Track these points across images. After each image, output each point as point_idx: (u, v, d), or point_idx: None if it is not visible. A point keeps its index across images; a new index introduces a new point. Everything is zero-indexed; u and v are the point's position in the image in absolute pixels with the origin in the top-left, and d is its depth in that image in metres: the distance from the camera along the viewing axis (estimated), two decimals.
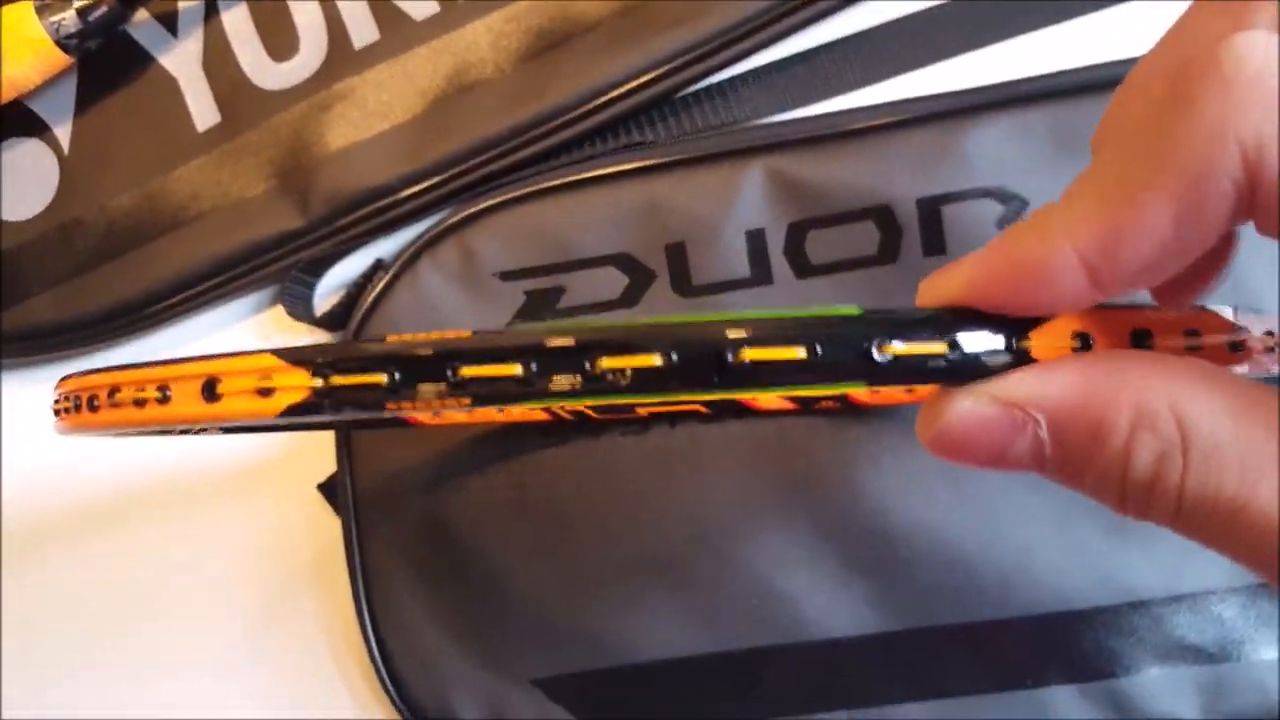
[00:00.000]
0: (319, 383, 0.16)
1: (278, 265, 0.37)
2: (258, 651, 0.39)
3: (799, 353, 0.15)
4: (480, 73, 0.36)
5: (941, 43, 0.35)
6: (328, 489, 0.38)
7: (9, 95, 0.37)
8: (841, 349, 0.15)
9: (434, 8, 0.36)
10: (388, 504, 0.36)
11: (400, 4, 0.37)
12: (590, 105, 0.35)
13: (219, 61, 0.38)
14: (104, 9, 0.36)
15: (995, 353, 0.16)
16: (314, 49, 0.37)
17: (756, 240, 0.34)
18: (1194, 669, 0.32)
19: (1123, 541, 0.32)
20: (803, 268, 0.34)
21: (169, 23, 0.38)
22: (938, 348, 0.16)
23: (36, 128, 0.39)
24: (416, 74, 0.36)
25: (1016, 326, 0.16)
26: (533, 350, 0.15)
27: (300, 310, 0.38)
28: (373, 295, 0.36)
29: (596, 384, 0.15)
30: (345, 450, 0.37)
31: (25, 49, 0.36)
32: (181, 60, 0.38)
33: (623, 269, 0.35)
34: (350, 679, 0.38)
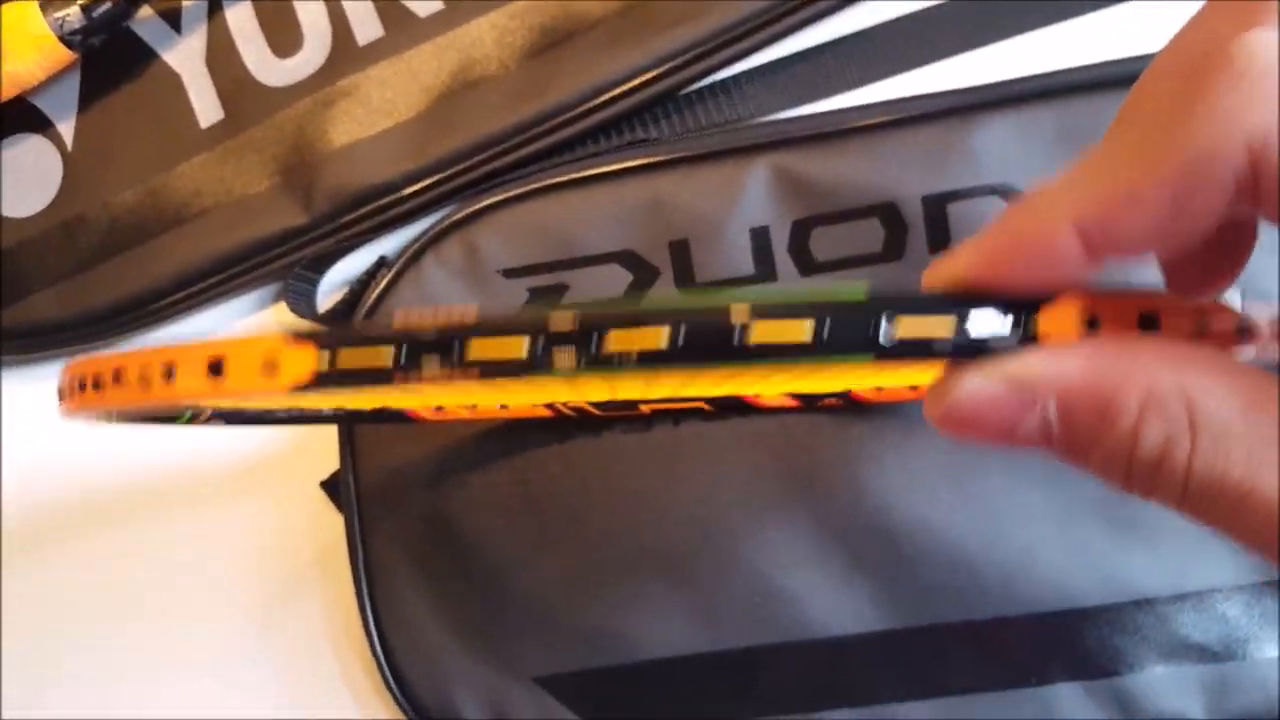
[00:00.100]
0: (325, 359, 0.16)
1: (281, 262, 0.37)
2: (260, 650, 0.39)
3: (805, 331, 0.15)
4: (484, 69, 0.36)
5: (946, 41, 0.35)
6: (330, 486, 0.38)
7: (12, 91, 0.37)
8: (848, 327, 0.15)
9: (438, 4, 0.36)
10: (390, 501, 0.36)
11: (405, 0, 0.37)
12: (594, 102, 0.35)
13: (222, 58, 0.38)
14: (108, 5, 0.36)
15: (1002, 333, 0.16)
16: (318, 45, 0.37)
17: (761, 238, 0.34)
18: (1198, 667, 0.32)
19: (1127, 540, 0.32)
20: (807, 265, 0.34)
21: (173, 19, 0.38)
22: (944, 327, 0.16)
23: (40, 124, 0.39)
24: (421, 70, 0.36)
25: (1023, 307, 0.16)
26: (539, 328, 0.15)
27: (303, 307, 0.38)
28: (376, 292, 0.36)
29: (603, 362, 0.15)
30: (348, 447, 0.36)
31: (29, 45, 0.36)
32: (185, 56, 0.38)
33: (626, 266, 0.35)
34: (352, 676, 0.38)
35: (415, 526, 0.36)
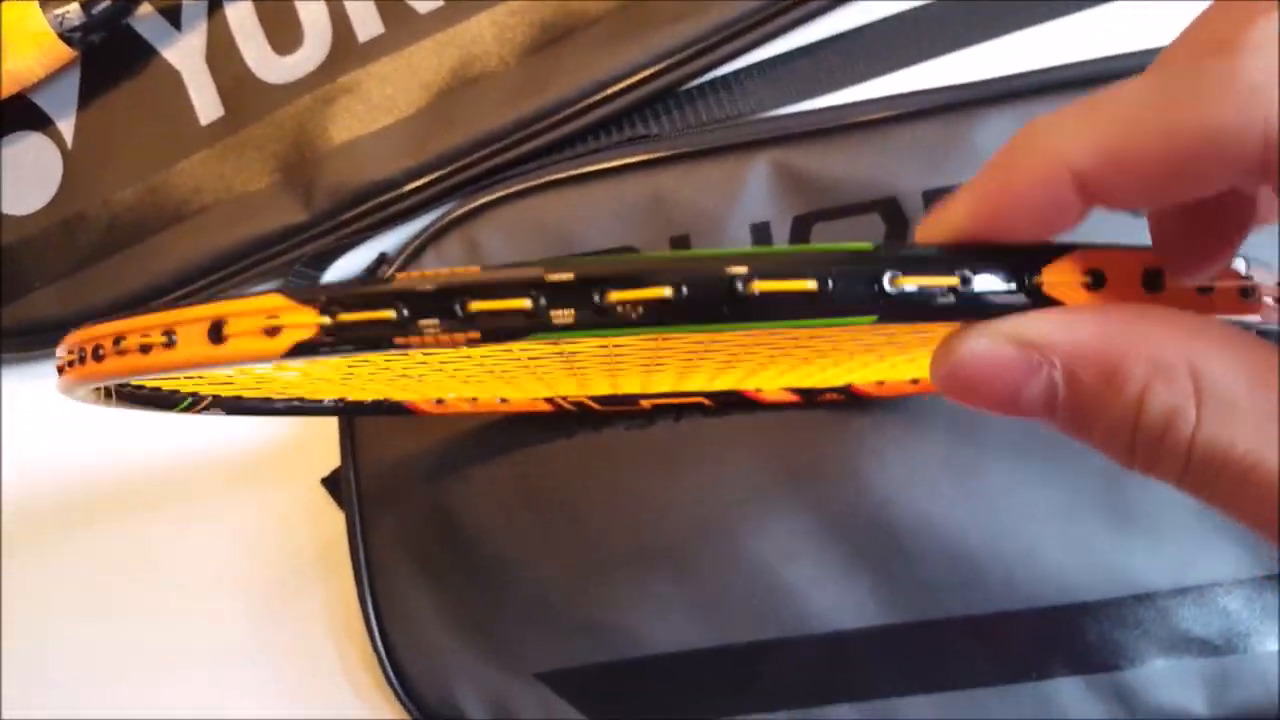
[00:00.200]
0: (327, 320, 0.16)
1: (281, 259, 0.37)
2: (261, 647, 0.39)
3: (810, 284, 0.15)
4: (484, 66, 0.36)
5: (946, 37, 0.35)
6: (331, 483, 0.38)
7: (12, 89, 0.37)
8: (852, 282, 0.15)
9: (438, 1, 0.36)
10: (391, 498, 0.36)
11: None
12: (594, 98, 0.35)
13: (222, 55, 0.38)
14: (108, 2, 0.36)
15: (1007, 289, 0.16)
16: (318, 42, 0.37)
17: (762, 233, 0.34)
18: (1199, 661, 0.32)
19: (1128, 534, 0.32)
20: None
21: (173, 16, 0.38)
22: (949, 280, 0.15)
23: (40, 122, 0.39)
24: (421, 67, 0.36)
25: (1028, 261, 0.16)
26: (541, 284, 0.15)
27: None
28: None
29: (606, 317, 0.15)
30: (349, 443, 0.36)
31: (29, 42, 0.36)
32: (185, 54, 0.38)
33: None
34: (354, 673, 0.38)
35: (416, 523, 0.36)
